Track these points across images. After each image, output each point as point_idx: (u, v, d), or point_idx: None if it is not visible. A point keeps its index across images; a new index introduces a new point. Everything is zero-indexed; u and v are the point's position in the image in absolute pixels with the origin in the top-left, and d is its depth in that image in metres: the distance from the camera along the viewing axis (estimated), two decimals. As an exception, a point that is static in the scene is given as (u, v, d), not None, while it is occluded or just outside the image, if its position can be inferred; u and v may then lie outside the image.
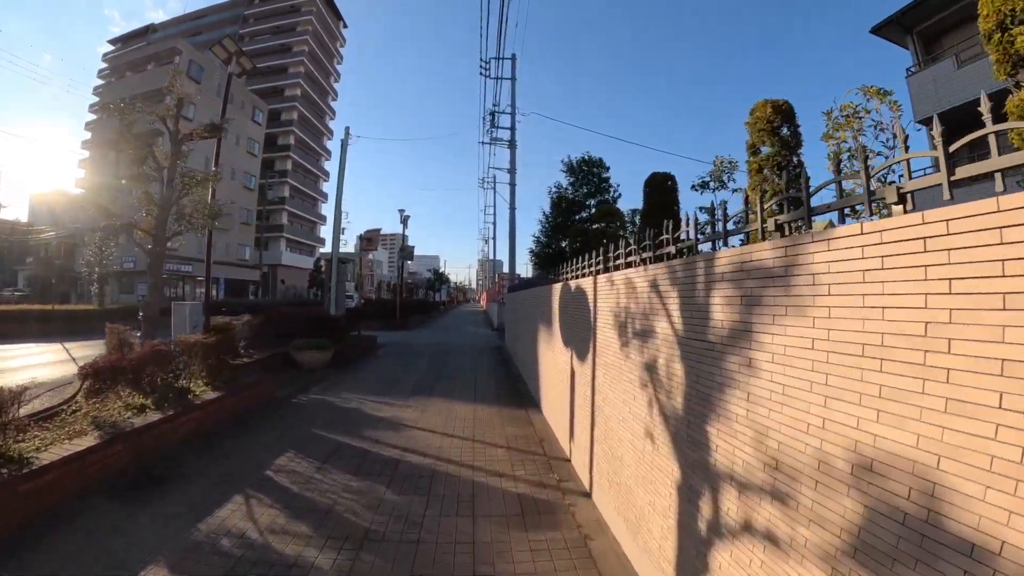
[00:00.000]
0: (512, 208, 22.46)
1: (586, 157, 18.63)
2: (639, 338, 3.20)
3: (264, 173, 49.35)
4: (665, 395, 2.78)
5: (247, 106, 47.45)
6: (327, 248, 61.08)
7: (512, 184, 22.78)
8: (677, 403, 2.62)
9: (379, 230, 15.75)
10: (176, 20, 64.90)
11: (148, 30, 63.96)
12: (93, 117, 46.56)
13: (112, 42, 61.81)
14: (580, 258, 5.88)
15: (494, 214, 39.83)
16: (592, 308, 4.43)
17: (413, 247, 22.48)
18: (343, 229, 55.72)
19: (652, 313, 2.99)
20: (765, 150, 6.92)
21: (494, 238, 34.85)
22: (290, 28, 56.51)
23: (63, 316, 20.39)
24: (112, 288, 35.43)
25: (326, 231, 59.07)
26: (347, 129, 15.07)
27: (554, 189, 19.16)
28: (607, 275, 4.03)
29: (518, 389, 8.83)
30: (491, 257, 40.77)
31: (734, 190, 8.80)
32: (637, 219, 15.86)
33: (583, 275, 5.43)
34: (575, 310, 5.23)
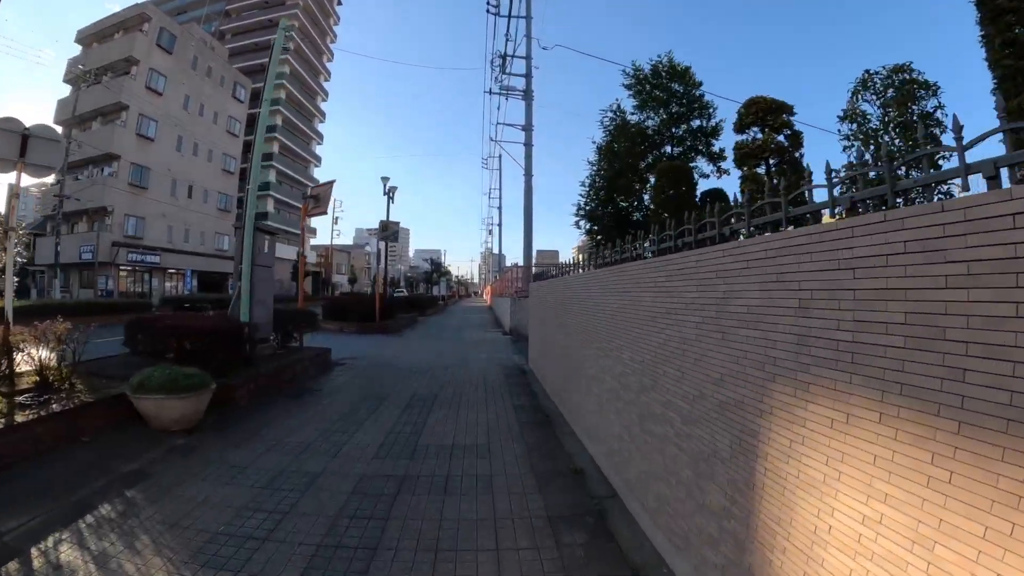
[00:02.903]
0: (528, 174, 16.63)
1: (664, 62, 11.95)
2: None
3: (247, 156, 43.51)
4: None
5: (228, 82, 41.56)
6: (319, 240, 55.26)
7: (528, 144, 16.93)
8: None
9: (332, 182, 10.03)
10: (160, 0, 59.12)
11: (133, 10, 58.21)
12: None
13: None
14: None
15: (499, 190, 33.38)
16: None
17: (398, 224, 16.65)
18: (335, 219, 49.87)
19: None
20: None
21: (500, 224, 29.04)
22: (279, 2, 50.56)
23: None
24: (59, 282, 29.66)
25: (317, 220, 53.35)
26: (284, 22, 9.37)
27: (611, 114, 12.60)
28: None
29: (613, 538, 3.08)
30: (498, 247, 34.81)
31: None
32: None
33: None
34: None
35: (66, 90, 37.52)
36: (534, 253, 16.62)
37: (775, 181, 2.29)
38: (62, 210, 29.87)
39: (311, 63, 51.22)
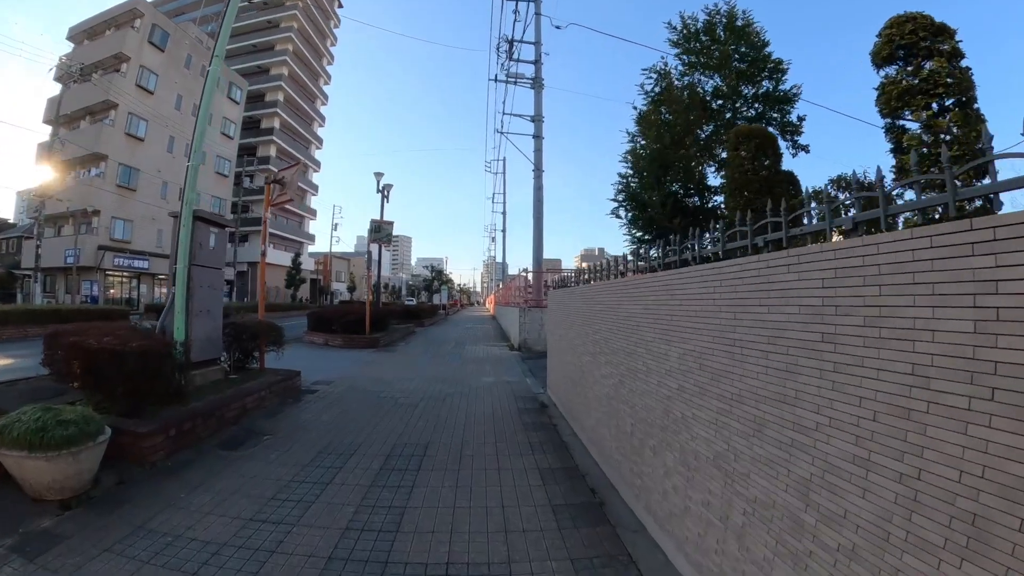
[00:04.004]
0: (538, 169, 14.83)
1: (723, 10, 9.75)
2: None
3: (243, 160, 41.94)
4: None
5: (223, 82, 40.01)
6: (316, 247, 53.50)
7: (537, 136, 15.17)
8: None
9: (298, 164, 8.20)
10: (158, 1, 58.14)
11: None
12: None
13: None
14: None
15: (504, 193, 31.41)
16: None
17: (392, 224, 14.80)
18: (335, 225, 48.11)
19: None
20: None
21: (504, 230, 27.14)
22: (278, 3, 49.29)
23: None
24: (40, 286, 27.83)
25: (316, 226, 51.67)
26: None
27: (652, 77, 10.68)
28: None
29: None
30: (502, 254, 32.82)
31: None
32: None
33: None
34: None
35: (58, 89, 36.10)
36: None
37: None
38: (44, 211, 28.14)
39: (310, 65, 49.83)
